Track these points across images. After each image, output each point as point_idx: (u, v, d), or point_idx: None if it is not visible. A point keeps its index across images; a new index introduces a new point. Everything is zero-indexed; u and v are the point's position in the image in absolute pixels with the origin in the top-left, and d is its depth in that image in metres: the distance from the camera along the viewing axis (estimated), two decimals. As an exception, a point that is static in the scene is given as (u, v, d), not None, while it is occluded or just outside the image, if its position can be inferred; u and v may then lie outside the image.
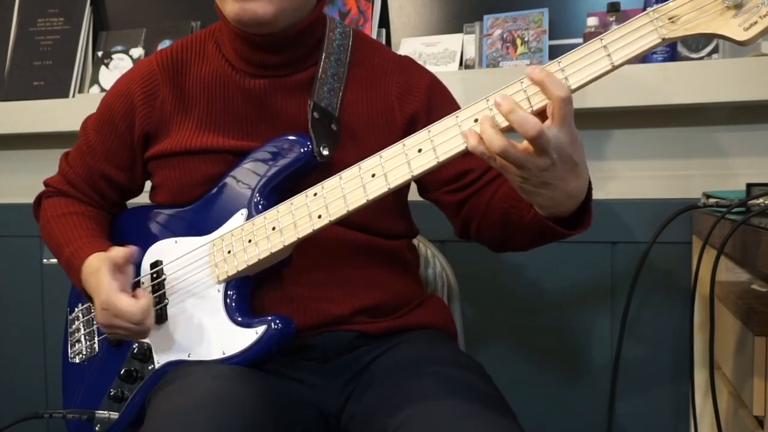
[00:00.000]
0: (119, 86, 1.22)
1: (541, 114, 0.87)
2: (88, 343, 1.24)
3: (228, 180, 1.14)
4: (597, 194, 1.66)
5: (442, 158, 0.94)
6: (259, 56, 1.13)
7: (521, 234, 1.07)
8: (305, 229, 1.03)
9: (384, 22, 1.83)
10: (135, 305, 1.04)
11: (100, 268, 1.08)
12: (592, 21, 1.62)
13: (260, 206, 1.09)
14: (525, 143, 0.87)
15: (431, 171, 0.95)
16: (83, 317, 1.26)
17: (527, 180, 0.89)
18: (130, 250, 1.09)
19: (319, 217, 1.01)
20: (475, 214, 1.16)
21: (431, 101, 1.17)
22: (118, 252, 1.08)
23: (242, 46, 1.13)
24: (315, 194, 1.02)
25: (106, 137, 1.22)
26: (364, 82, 1.18)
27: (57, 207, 1.25)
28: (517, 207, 1.04)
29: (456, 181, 1.16)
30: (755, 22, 0.80)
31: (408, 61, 1.23)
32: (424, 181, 1.18)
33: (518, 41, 1.69)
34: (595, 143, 1.69)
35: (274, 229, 1.05)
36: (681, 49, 1.59)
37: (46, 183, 1.31)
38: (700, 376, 1.46)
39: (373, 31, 1.80)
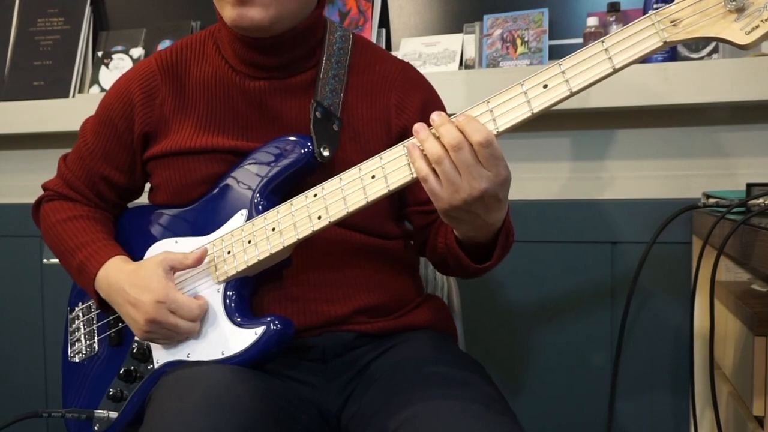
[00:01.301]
0: (118, 87, 1.22)
1: None
2: (87, 342, 1.24)
3: (228, 180, 1.14)
4: (597, 194, 1.68)
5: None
6: (258, 58, 1.13)
7: (444, 261, 1.14)
8: (305, 230, 1.03)
9: (384, 22, 1.83)
10: (195, 301, 1.07)
11: (144, 267, 1.09)
12: (592, 21, 1.62)
13: (260, 207, 1.09)
14: None
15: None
16: (83, 317, 1.26)
17: (454, 207, 0.92)
18: (202, 255, 1.10)
19: (319, 218, 1.02)
20: (428, 238, 1.20)
21: (424, 118, 1.17)
22: (177, 256, 1.09)
23: (241, 48, 1.13)
24: (315, 195, 1.02)
25: (106, 138, 1.21)
26: (366, 87, 1.18)
27: (60, 211, 1.24)
28: (443, 234, 1.12)
29: (426, 204, 1.17)
30: (757, 26, 0.80)
31: (408, 70, 1.23)
32: (403, 193, 1.19)
33: (518, 41, 1.69)
34: (595, 143, 1.69)
35: (273, 229, 1.05)
36: (681, 49, 1.59)
37: (44, 186, 1.30)
38: (700, 376, 1.46)
39: (373, 31, 1.80)
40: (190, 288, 1.12)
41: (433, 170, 0.91)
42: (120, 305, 1.12)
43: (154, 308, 1.06)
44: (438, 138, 0.91)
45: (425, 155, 0.92)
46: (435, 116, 0.92)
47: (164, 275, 1.08)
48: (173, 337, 1.09)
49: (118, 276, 1.11)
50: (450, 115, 0.93)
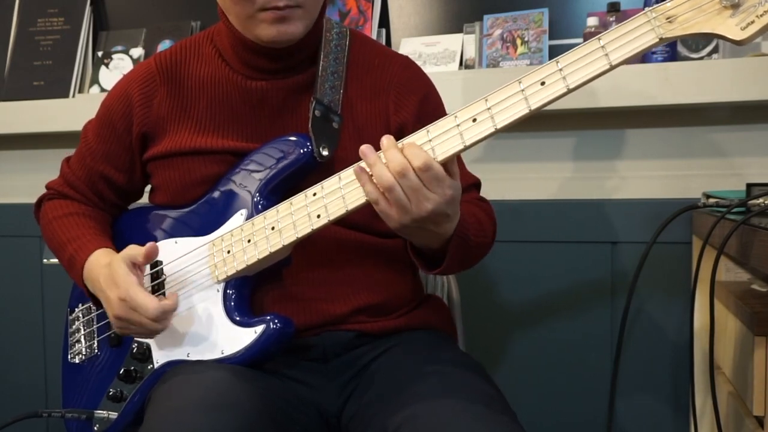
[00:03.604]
0: (118, 88, 1.22)
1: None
2: (87, 343, 1.25)
3: (228, 181, 1.14)
4: (597, 194, 1.68)
5: (440, 158, 0.94)
6: (263, 62, 1.13)
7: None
8: (304, 229, 1.03)
9: (384, 22, 1.83)
10: (154, 302, 1.04)
11: (113, 262, 1.08)
12: (592, 21, 1.62)
13: (260, 206, 1.09)
14: None
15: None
16: (83, 317, 1.26)
17: (405, 226, 0.95)
18: (151, 249, 1.08)
19: (318, 216, 1.02)
20: None
21: (421, 113, 1.17)
22: (137, 250, 1.08)
23: (245, 52, 1.13)
24: (314, 194, 1.02)
25: (106, 139, 1.22)
26: (366, 83, 1.18)
27: (58, 208, 1.25)
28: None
29: None
30: (752, 22, 0.81)
31: (409, 66, 1.23)
32: None
33: (518, 41, 1.69)
34: (595, 143, 1.69)
35: (273, 229, 1.05)
36: (681, 49, 1.59)
37: (47, 186, 1.31)
38: (700, 376, 1.46)
39: (373, 31, 1.80)
40: (189, 288, 1.12)
41: (383, 193, 0.93)
42: (101, 300, 1.12)
43: (118, 305, 1.06)
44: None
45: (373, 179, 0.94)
46: (384, 139, 0.95)
47: (127, 270, 1.07)
48: (144, 333, 1.09)
49: (97, 270, 1.12)
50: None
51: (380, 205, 0.94)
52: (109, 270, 1.09)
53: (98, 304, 1.17)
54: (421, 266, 1.09)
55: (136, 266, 1.08)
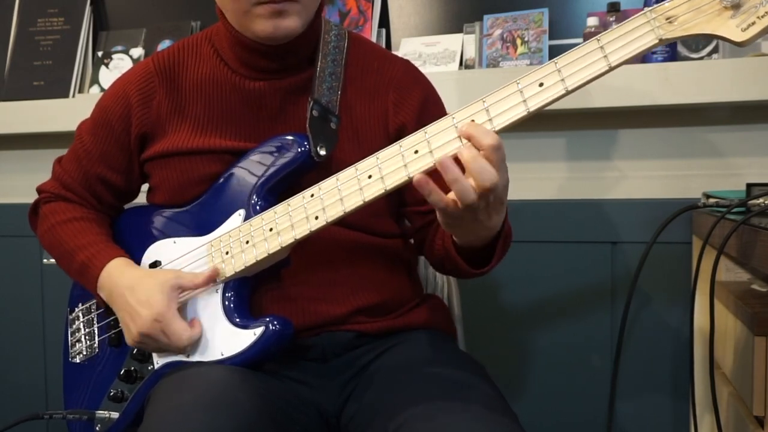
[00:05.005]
0: (115, 88, 1.22)
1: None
2: (88, 343, 1.25)
3: (226, 180, 1.14)
4: (597, 194, 1.68)
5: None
6: (262, 62, 1.13)
7: (441, 262, 1.15)
8: (303, 230, 1.02)
9: (384, 22, 1.83)
10: (188, 332, 1.07)
11: (154, 277, 1.09)
12: (592, 21, 1.62)
13: (258, 207, 1.09)
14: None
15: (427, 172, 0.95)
16: (83, 317, 1.26)
17: (460, 218, 0.92)
18: (207, 280, 1.09)
19: (317, 218, 1.01)
20: (426, 239, 1.20)
21: (421, 116, 1.17)
22: (189, 277, 1.09)
23: (243, 52, 1.13)
24: (312, 195, 1.02)
25: (103, 140, 1.21)
26: (365, 85, 1.18)
27: (60, 212, 1.24)
28: (441, 236, 1.12)
29: (424, 204, 1.15)
30: (753, 23, 0.80)
31: (409, 69, 1.22)
32: (401, 192, 1.19)
33: (518, 41, 1.69)
34: (595, 143, 1.69)
35: (271, 230, 1.05)
36: (681, 49, 1.59)
37: (40, 189, 1.29)
38: (700, 376, 1.46)
39: (373, 31, 1.79)
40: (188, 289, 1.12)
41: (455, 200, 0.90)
42: (118, 310, 1.12)
43: (149, 324, 1.07)
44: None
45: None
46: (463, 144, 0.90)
47: (169, 293, 1.07)
48: (163, 351, 1.11)
49: (121, 280, 1.11)
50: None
51: (449, 209, 0.91)
52: (140, 284, 1.09)
53: (110, 311, 1.17)
54: (464, 266, 1.06)
55: (180, 291, 1.09)
